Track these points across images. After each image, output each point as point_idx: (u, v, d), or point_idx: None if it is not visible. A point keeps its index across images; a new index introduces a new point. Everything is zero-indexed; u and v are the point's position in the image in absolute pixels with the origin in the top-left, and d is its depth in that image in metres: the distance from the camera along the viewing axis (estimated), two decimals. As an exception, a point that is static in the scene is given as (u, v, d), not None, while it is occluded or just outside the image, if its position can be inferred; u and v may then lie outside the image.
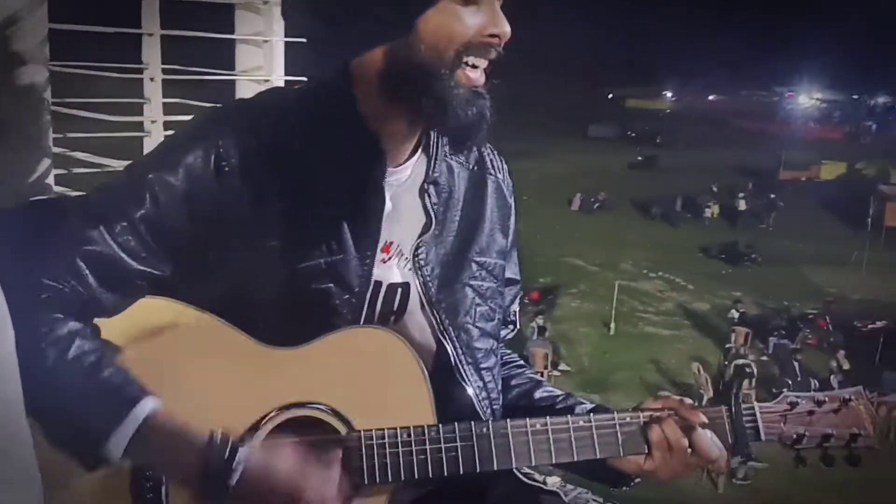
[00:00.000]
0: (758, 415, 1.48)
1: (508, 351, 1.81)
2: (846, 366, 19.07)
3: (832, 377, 17.95)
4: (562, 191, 34.81)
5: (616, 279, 25.08)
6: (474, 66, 1.36)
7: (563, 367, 19.02)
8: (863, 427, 1.51)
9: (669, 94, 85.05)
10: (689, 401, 1.48)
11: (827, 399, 1.52)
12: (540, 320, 20.05)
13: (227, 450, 1.21)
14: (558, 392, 1.68)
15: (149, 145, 2.11)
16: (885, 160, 42.28)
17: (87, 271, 1.29)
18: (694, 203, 35.53)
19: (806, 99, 78.12)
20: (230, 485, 1.20)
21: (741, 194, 35.45)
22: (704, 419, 1.44)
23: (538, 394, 1.68)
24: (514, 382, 1.72)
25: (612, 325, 22.54)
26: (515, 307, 1.78)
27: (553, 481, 1.73)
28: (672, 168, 42.04)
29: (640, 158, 45.29)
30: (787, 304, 24.95)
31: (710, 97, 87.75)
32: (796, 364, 18.56)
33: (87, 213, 1.33)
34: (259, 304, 1.37)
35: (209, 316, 1.35)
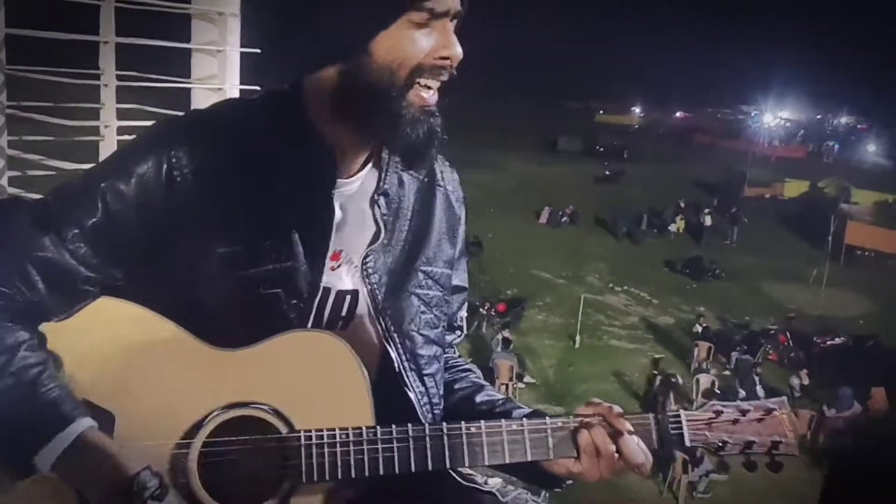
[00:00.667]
0: (683, 422, 1.54)
1: (456, 355, 1.85)
2: (806, 381, 19.42)
3: (792, 392, 18.26)
4: (530, 204, 34.98)
5: (582, 292, 25.29)
6: (427, 87, 1.41)
7: (528, 379, 19.07)
8: (784, 435, 1.57)
9: (637, 110, 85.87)
10: (617, 408, 1.53)
11: (752, 408, 1.58)
12: (506, 332, 20.12)
13: (147, 495, 1.23)
14: (498, 396, 1.73)
15: (104, 149, 2.13)
16: (847, 180, 43.09)
17: (38, 277, 1.32)
18: (659, 219, 35.89)
19: (770, 118, 79.33)
20: None
21: (706, 210, 35.91)
22: (629, 427, 1.49)
23: (479, 398, 1.72)
24: (457, 386, 1.76)
25: (578, 338, 22.68)
26: (463, 313, 1.83)
27: (494, 482, 1.78)
28: (639, 182, 42.46)
29: (607, 173, 45.64)
30: (748, 319, 25.33)
31: (678, 114, 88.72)
32: (756, 378, 18.82)
33: (39, 218, 1.36)
34: (208, 308, 1.41)
35: (158, 317, 1.38)
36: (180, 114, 1.53)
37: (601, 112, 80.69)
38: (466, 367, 1.84)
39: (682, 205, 36.92)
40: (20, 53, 1.74)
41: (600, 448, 1.47)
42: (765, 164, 50.65)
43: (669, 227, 35.26)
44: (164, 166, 1.38)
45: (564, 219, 34.94)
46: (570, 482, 1.58)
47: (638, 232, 34.16)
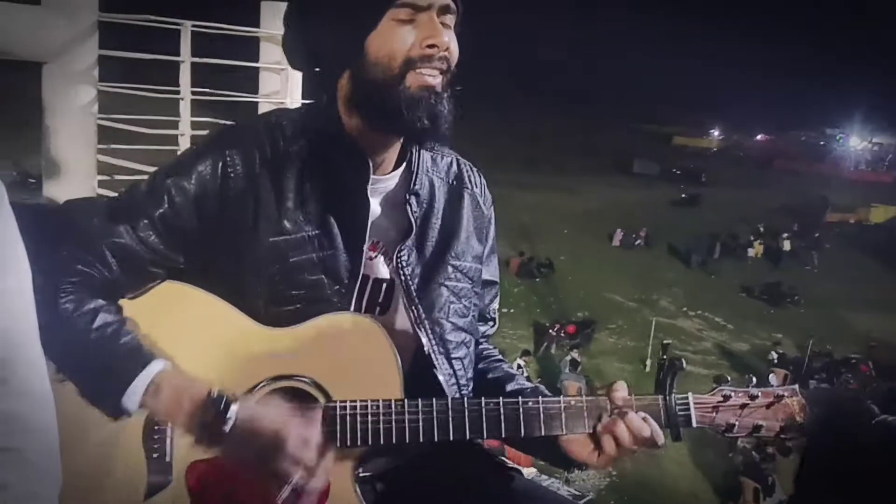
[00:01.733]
0: (691, 404, 1.65)
1: (490, 346, 2.00)
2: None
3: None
4: (603, 226, 34.70)
5: (654, 316, 24.96)
6: (427, 73, 1.55)
7: (596, 401, 18.82)
8: (794, 421, 1.65)
9: (716, 133, 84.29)
10: (622, 393, 1.65)
11: (760, 394, 1.66)
12: (575, 353, 20.01)
13: (223, 403, 1.44)
14: (528, 385, 1.86)
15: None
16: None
17: (113, 260, 1.55)
18: (736, 244, 35.07)
19: (857, 141, 76.86)
20: (224, 431, 1.43)
21: (785, 235, 34.99)
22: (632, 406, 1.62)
23: (510, 386, 1.85)
24: (490, 376, 1.90)
25: (649, 362, 22.38)
26: (495, 305, 1.98)
27: (529, 472, 1.93)
28: (716, 207, 41.66)
29: (683, 196, 44.82)
30: (829, 347, 24.53)
31: (758, 136, 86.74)
32: (833, 408, 18.23)
33: (114, 211, 1.59)
34: (258, 291, 1.60)
35: (216, 298, 1.58)
36: (235, 122, 1.73)
37: (678, 135, 79.37)
38: (499, 357, 1.98)
39: (762, 229, 36.06)
40: (111, 72, 1.99)
41: (622, 442, 1.60)
42: (850, 188, 49.05)
43: (748, 252, 34.41)
44: (220, 165, 1.59)
45: (638, 241, 34.50)
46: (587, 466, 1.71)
47: (711, 262, 33.33)
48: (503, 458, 1.87)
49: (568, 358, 19.76)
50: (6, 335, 1.19)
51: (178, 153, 1.71)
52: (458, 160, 1.84)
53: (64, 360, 1.43)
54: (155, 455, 1.53)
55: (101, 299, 1.53)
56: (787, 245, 34.17)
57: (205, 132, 2.32)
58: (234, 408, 1.45)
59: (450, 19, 1.58)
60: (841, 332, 26.31)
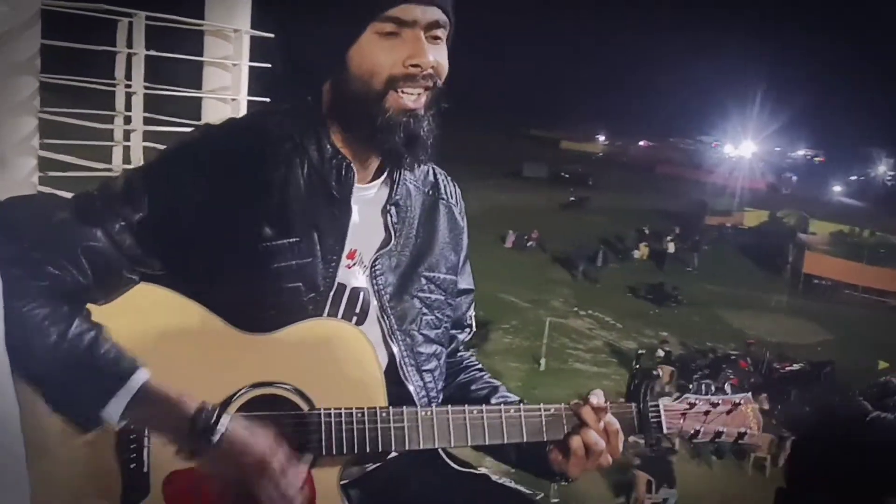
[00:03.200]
0: (661, 411, 1.72)
1: (468, 354, 1.99)
2: (766, 406, 19.81)
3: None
4: (495, 228, 35.27)
5: (547, 316, 25.54)
6: (407, 93, 1.51)
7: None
8: (749, 427, 1.76)
9: (602, 138, 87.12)
10: (596, 402, 1.67)
11: (721, 402, 1.76)
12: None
13: (214, 416, 1.38)
14: (512, 398, 1.85)
15: (116, 152, 2.28)
16: (804, 210, 44.14)
17: (86, 264, 1.44)
18: (622, 244, 36.34)
19: (731, 148, 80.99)
20: (210, 443, 1.36)
21: (669, 237, 36.48)
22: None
23: (494, 399, 1.85)
24: (473, 387, 1.90)
25: (543, 361, 22.88)
26: (471, 312, 1.97)
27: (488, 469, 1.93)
28: (603, 209, 43.06)
29: (572, 199, 46.18)
30: (710, 345, 25.76)
31: (641, 143, 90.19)
32: (717, 402, 19.08)
33: (88, 212, 1.48)
34: (236, 297, 1.53)
35: (192, 303, 1.50)
36: (218, 122, 1.65)
37: (565, 140, 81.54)
38: (479, 367, 1.97)
39: (647, 231, 37.48)
40: (54, 62, 1.87)
41: (591, 448, 1.63)
42: (725, 193, 51.63)
43: (633, 254, 35.69)
44: (201, 169, 1.51)
45: (530, 243, 35.26)
46: (573, 479, 1.73)
47: (593, 269, 33.80)
48: (469, 463, 1.86)
49: (464, 358, 19.93)
50: None
51: (153, 152, 1.61)
52: (434, 170, 1.81)
53: (32, 369, 1.32)
54: (131, 466, 1.44)
55: (72, 304, 1.43)
56: (671, 247, 35.64)
57: (152, 128, 2.22)
58: (224, 420, 1.39)
59: (441, 33, 1.53)
60: (720, 330, 27.69)
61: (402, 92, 1.49)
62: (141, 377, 1.39)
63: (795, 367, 23.36)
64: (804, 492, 1.57)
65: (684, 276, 33.79)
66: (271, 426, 1.45)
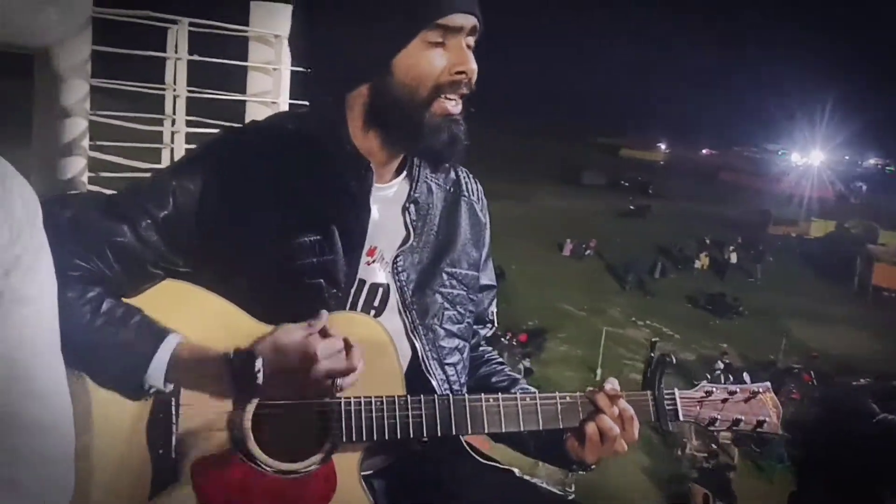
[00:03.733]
0: (677, 399, 1.73)
1: (489, 349, 2.02)
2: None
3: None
4: (553, 236, 35.08)
5: (604, 325, 25.29)
6: (450, 99, 1.57)
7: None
8: (768, 415, 1.75)
9: (663, 146, 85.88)
10: (610, 388, 1.70)
11: (738, 390, 1.76)
12: (526, 362, 20.17)
13: (247, 356, 1.42)
14: (532, 390, 1.87)
15: (165, 154, 2.39)
16: (874, 220, 42.77)
17: (113, 259, 1.53)
18: (682, 256, 35.70)
19: (798, 157, 79.07)
20: (258, 382, 1.41)
21: (731, 247, 35.76)
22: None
23: (514, 390, 1.88)
24: (493, 379, 1.93)
25: (599, 371, 22.65)
26: (493, 308, 2.00)
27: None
28: (663, 218, 42.43)
29: (631, 207, 45.57)
30: (772, 357, 25.17)
31: (704, 151, 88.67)
32: (778, 416, 18.66)
33: (117, 210, 1.56)
34: (260, 294, 1.59)
35: (218, 297, 1.57)
36: (240, 125, 1.73)
37: (625, 147, 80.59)
38: (500, 360, 2.00)
39: (708, 241, 36.79)
40: (104, 67, 1.98)
41: (605, 433, 1.65)
42: (791, 202, 50.39)
43: (694, 264, 35.05)
44: (225, 168, 1.59)
45: (588, 251, 34.93)
46: (592, 467, 1.76)
47: (649, 280, 32.66)
48: (494, 458, 1.90)
49: (521, 367, 19.90)
50: (28, 342, 1.18)
51: (185, 153, 1.68)
52: (455, 167, 1.84)
53: (74, 350, 1.37)
54: (160, 451, 1.52)
55: (102, 289, 1.52)
56: (733, 257, 34.92)
57: (197, 130, 2.32)
58: (258, 354, 1.43)
59: (472, 40, 1.58)
60: (783, 343, 27.01)
61: (446, 98, 1.55)
62: (175, 339, 1.47)
63: (862, 381, 22.65)
64: (812, 493, 1.56)
65: (746, 287, 33.05)
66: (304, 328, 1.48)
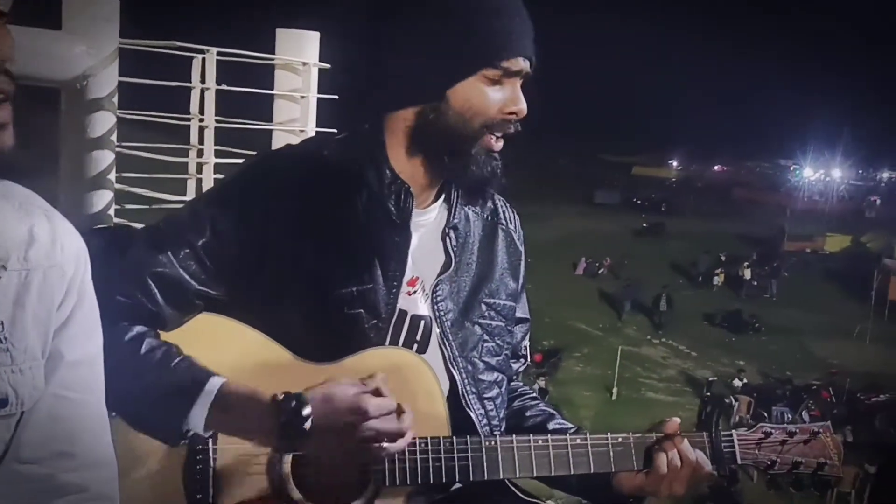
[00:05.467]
0: (735, 441, 1.67)
1: (522, 383, 1.97)
2: (850, 438, 19.03)
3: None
4: (566, 255, 34.98)
5: (619, 344, 25.15)
6: (496, 136, 1.57)
7: (564, 430, 18.91)
8: (829, 457, 1.69)
9: (675, 163, 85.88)
10: (674, 426, 1.64)
11: (798, 431, 1.69)
12: (542, 382, 20.05)
13: (296, 400, 1.37)
14: (569, 425, 1.83)
15: (190, 185, 2.36)
16: (890, 234, 42.45)
17: (155, 289, 1.49)
18: (697, 273, 35.57)
19: (811, 172, 78.86)
20: (304, 430, 1.36)
21: (746, 263, 35.57)
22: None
23: (551, 425, 1.82)
24: (528, 413, 1.87)
25: (615, 390, 22.51)
26: (525, 342, 1.95)
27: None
28: (677, 235, 42.31)
29: (645, 225, 45.51)
30: (790, 374, 24.94)
31: (716, 167, 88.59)
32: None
33: (155, 240, 1.54)
34: (299, 325, 1.56)
35: (257, 333, 1.53)
36: (276, 148, 1.70)
37: (637, 165, 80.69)
38: (534, 395, 1.96)
39: (723, 258, 36.61)
40: (130, 98, 1.95)
41: (672, 462, 1.60)
42: (805, 217, 50.18)
43: (713, 281, 34.84)
44: (263, 195, 1.55)
45: (602, 270, 34.84)
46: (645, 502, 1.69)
47: (657, 313, 29.23)
48: (531, 494, 1.83)
49: (536, 386, 19.78)
50: (76, 408, 1.16)
51: (217, 181, 1.64)
52: (493, 195, 1.80)
53: (112, 392, 1.34)
54: (197, 496, 1.47)
55: (143, 327, 1.48)
56: (747, 273, 34.72)
57: (224, 161, 2.29)
58: (307, 401, 1.38)
59: (521, 81, 1.58)
60: (801, 359, 26.78)
61: (493, 134, 1.56)
62: (218, 381, 1.42)
63: (882, 397, 22.40)
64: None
65: (762, 304, 32.82)
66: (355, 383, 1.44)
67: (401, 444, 1.43)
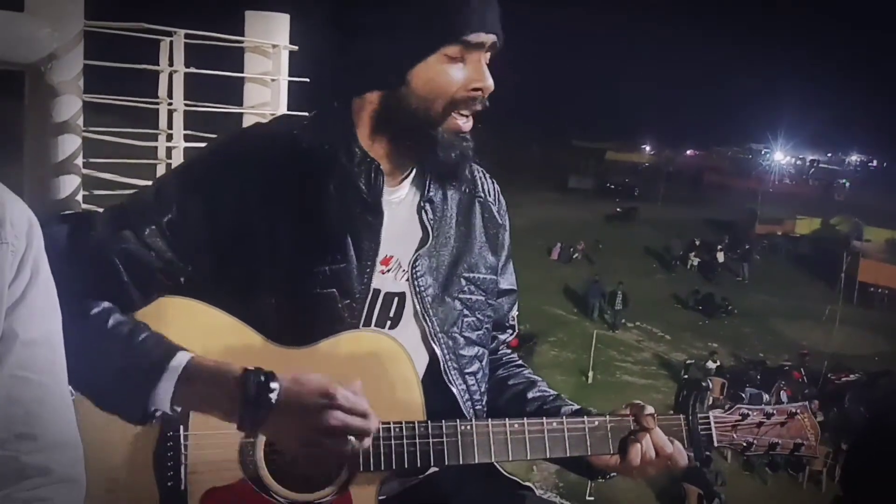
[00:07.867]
0: (712, 423, 1.67)
1: (509, 351, 1.96)
2: (820, 418, 19.34)
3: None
4: (541, 240, 35.05)
5: (594, 328, 25.29)
6: (462, 115, 1.54)
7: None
8: (806, 438, 1.69)
9: (647, 148, 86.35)
10: (650, 409, 1.64)
11: (775, 412, 1.70)
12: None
13: (263, 375, 1.35)
14: (550, 392, 1.84)
15: (160, 170, 2.32)
16: (859, 217, 42.99)
17: (121, 267, 1.46)
18: (671, 256, 35.85)
19: (780, 156, 79.62)
20: (270, 405, 1.33)
21: (719, 247, 35.89)
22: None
23: (531, 393, 1.83)
24: (511, 382, 1.87)
25: (590, 374, 22.65)
26: (514, 313, 1.94)
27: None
28: (650, 220, 42.59)
29: (618, 210, 45.78)
30: (762, 356, 25.26)
31: (688, 152, 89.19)
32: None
33: (121, 218, 1.51)
34: (269, 306, 1.53)
35: (226, 315, 1.50)
36: (245, 127, 1.67)
37: (610, 150, 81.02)
38: (520, 363, 1.95)
39: (697, 243, 36.90)
40: (97, 82, 1.91)
41: (646, 455, 1.60)
42: (776, 201, 50.68)
43: (688, 265, 35.10)
44: (231, 173, 1.53)
45: (575, 255, 34.99)
46: (613, 475, 1.69)
47: (615, 314, 28.09)
48: (513, 476, 1.83)
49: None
50: (35, 389, 1.13)
51: (184, 158, 1.61)
52: (472, 167, 1.78)
53: (75, 372, 1.28)
54: (168, 483, 1.44)
55: (108, 304, 1.45)
56: (720, 257, 35.05)
57: (193, 145, 2.25)
58: (277, 382, 1.36)
59: (488, 56, 1.55)
60: (773, 341, 27.14)
61: (459, 114, 1.53)
62: (184, 357, 1.39)
63: (852, 377, 22.77)
64: (860, 501, 1.51)
65: (734, 287, 33.19)
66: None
67: (365, 443, 1.40)
